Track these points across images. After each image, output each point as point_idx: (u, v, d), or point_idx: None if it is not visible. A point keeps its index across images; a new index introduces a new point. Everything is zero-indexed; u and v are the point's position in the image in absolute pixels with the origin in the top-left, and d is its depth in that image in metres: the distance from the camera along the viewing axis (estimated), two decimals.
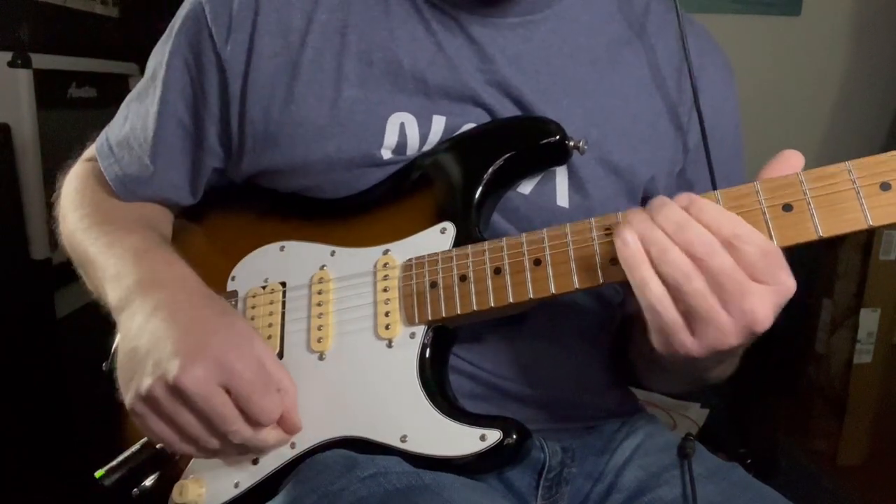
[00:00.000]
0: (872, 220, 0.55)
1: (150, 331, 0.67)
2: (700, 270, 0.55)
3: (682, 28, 0.78)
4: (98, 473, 0.75)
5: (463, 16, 0.76)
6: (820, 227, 0.56)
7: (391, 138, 0.75)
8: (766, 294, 0.55)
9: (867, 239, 1.98)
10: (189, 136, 0.81)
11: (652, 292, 0.57)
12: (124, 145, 0.84)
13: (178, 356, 0.64)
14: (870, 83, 2.50)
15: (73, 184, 0.89)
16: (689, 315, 0.56)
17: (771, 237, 0.57)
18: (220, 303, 0.72)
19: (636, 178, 0.78)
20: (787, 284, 0.56)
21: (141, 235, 0.78)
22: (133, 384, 0.66)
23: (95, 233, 0.80)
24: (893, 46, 2.48)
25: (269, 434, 0.68)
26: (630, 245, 0.57)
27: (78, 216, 0.83)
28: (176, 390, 0.64)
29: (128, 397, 0.67)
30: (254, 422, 0.66)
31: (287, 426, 0.69)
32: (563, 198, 0.76)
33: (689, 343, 0.57)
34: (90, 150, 0.90)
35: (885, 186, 0.55)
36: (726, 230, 0.55)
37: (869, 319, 2.05)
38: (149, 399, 0.65)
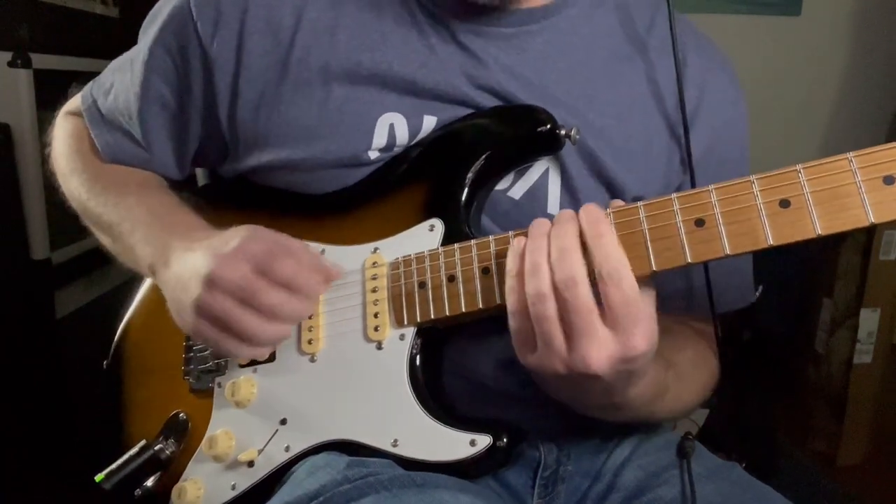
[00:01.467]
0: (874, 217, 0.52)
1: (184, 264, 0.69)
2: (556, 298, 0.57)
3: (674, 38, 0.75)
4: (98, 477, 0.75)
5: (455, 24, 0.75)
6: (819, 224, 0.53)
7: (380, 139, 0.74)
8: (608, 343, 0.56)
9: (867, 239, 1.97)
10: (174, 118, 0.82)
11: (511, 301, 0.60)
12: (112, 117, 0.84)
13: (207, 258, 0.66)
14: (869, 83, 2.49)
15: (69, 142, 0.88)
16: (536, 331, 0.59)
17: (767, 235, 0.55)
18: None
19: (625, 195, 0.76)
20: (634, 343, 0.56)
21: (158, 197, 0.81)
22: (184, 304, 0.68)
23: (113, 198, 0.80)
24: (893, 46, 2.47)
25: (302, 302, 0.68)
26: (512, 255, 0.60)
27: (84, 180, 0.84)
28: (212, 283, 0.65)
29: (187, 322, 0.68)
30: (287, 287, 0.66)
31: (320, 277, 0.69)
32: (554, 206, 0.75)
33: (524, 353, 0.60)
34: (76, 102, 0.89)
35: (889, 180, 0.51)
36: (605, 266, 0.56)
37: (869, 319, 2.05)
38: (198, 308, 0.66)
